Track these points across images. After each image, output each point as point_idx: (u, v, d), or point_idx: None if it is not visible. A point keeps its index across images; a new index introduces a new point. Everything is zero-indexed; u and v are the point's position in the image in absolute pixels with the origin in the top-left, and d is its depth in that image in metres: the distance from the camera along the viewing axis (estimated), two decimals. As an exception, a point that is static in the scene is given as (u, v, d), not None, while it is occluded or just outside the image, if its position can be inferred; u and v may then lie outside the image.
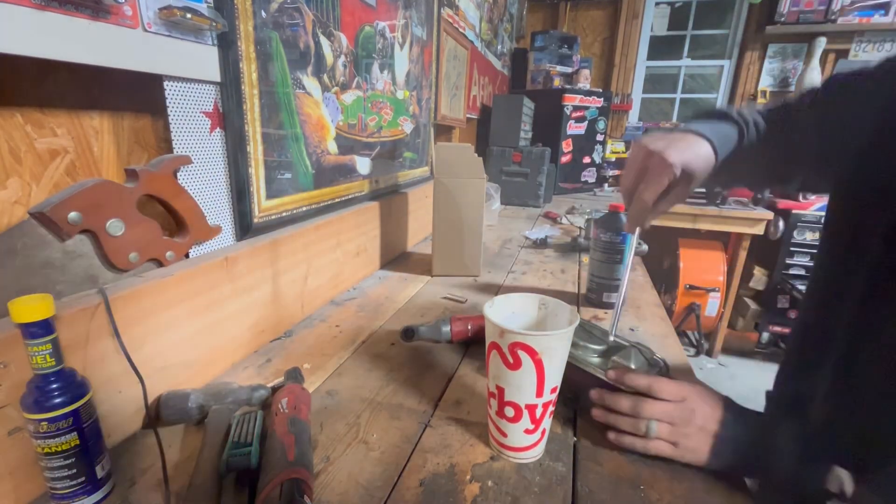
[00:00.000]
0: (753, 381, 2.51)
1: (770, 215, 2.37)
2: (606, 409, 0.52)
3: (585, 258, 1.25)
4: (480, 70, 2.14)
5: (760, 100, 3.04)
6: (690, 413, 0.48)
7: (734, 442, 0.46)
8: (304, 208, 0.84)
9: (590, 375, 0.54)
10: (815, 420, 0.51)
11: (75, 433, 0.39)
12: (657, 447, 0.48)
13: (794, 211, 2.46)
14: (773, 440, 0.45)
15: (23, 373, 0.39)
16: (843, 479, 0.40)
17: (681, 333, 2.80)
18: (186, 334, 0.56)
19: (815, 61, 2.78)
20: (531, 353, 0.44)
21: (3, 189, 0.45)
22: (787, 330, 2.61)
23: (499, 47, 2.55)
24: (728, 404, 0.49)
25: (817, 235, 2.47)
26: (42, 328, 0.36)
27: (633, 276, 1.00)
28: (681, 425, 0.48)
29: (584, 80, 2.79)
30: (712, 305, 2.59)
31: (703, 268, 2.57)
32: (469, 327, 0.72)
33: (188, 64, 0.56)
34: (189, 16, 0.52)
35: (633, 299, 0.97)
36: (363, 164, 1.04)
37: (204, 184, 0.62)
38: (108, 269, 0.51)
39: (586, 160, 2.59)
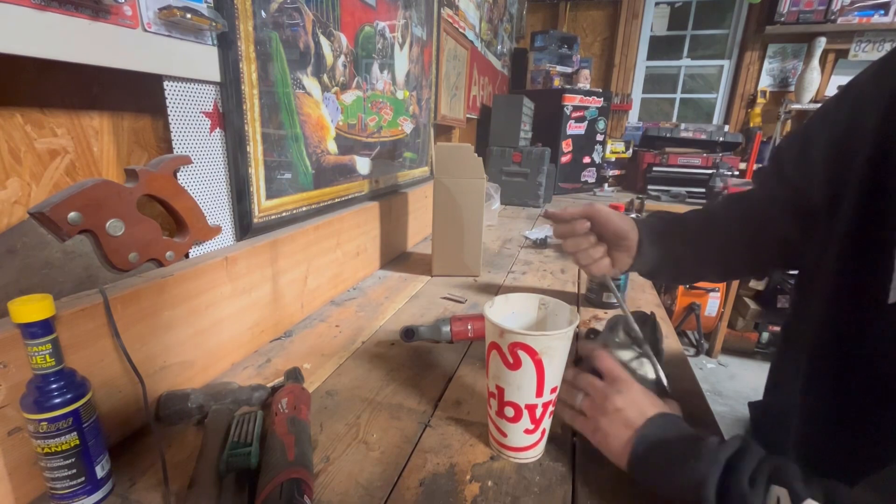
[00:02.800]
0: (753, 381, 2.51)
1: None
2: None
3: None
4: (480, 70, 2.14)
5: (760, 100, 3.04)
6: (616, 394, 0.45)
7: (657, 438, 0.43)
8: (304, 208, 0.84)
9: None
10: (794, 433, 0.49)
11: (75, 433, 0.39)
12: (580, 422, 0.47)
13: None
14: (711, 454, 0.39)
15: (23, 373, 0.39)
16: (780, 498, 0.35)
17: (681, 333, 2.80)
18: (186, 334, 0.56)
19: (815, 61, 2.78)
20: (531, 353, 0.44)
21: (3, 189, 0.45)
22: (786, 330, 2.61)
23: (499, 47, 2.55)
24: (663, 410, 0.46)
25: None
26: (42, 328, 0.36)
27: (633, 276, 1.00)
28: (602, 404, 0.46)
29: (584, 80, 2.79)
30: (712, 305, 2.60)
31: (702, 268, 2.56)
32: (469, 327, 0.72)
33: (188, 64, 0.56)
34: (189, 16, 0.52)
35: (633, 299, 0.97)
36: (363, 164, 1.04)
37: (204, 184, 0.62)
38: (108, 269, 0.51)
39: (586, 160, 2.59)
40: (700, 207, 0.66)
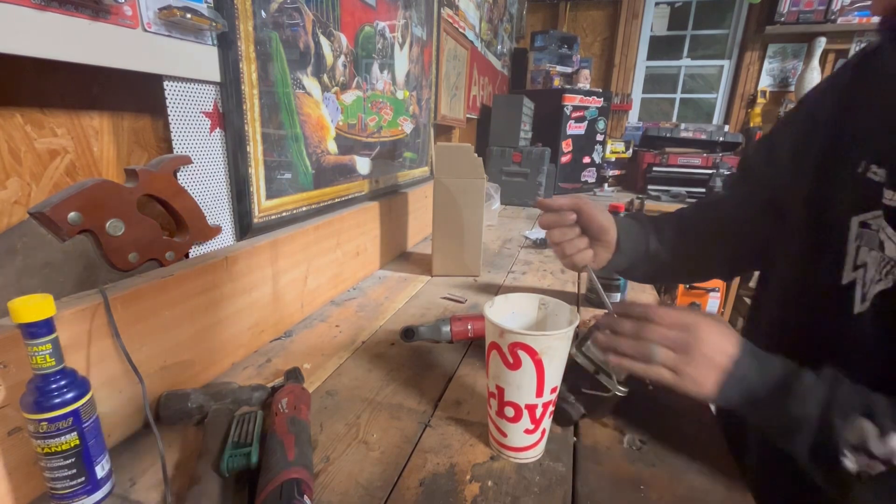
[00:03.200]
0: (753, 381, 2.50)
1: (770, 215, 2.36)
2: (612, 333, 0.49)
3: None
4: (480, 70, 2.14)
5: (760, 100, 3.04)
6: (696, 340, 0.44)
7: (744, 381, 0.43)
8: (304, 208, 0.84)
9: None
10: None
11: (75, 433, 0.39)
12: (658, 372, 0.45)
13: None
14: (797, 387, 0.41)
15: (23, 373, 0.39)
16: (865, 430, 0.36)
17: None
18: (186, 334, 0.56)
19: (815, 61, 2.78)
20: (531, 353, 0.44)
21: (3, 189, 0.45)
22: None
23: (499, 47, 2.55)
24: (744, 344, 0.45)
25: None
26: (42, 328, 0.36)
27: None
28: (684, 352, 0.44)
29: (584, 80, 2.79)
30: (712, 305, 2.59)
31: (702, 268, 2.56)
32: (469, 327, 0.72)
33: (188, 64, 0.56)
34: (189, 16, 0.52)
35: (633, 299, 0.97)
36: (363, 164, 1.04)
37: (204, 184, 0.62)
38: (108, 269, 0.51)
39: (586, 160, 2.59)
40: (672, 211, 0.71)
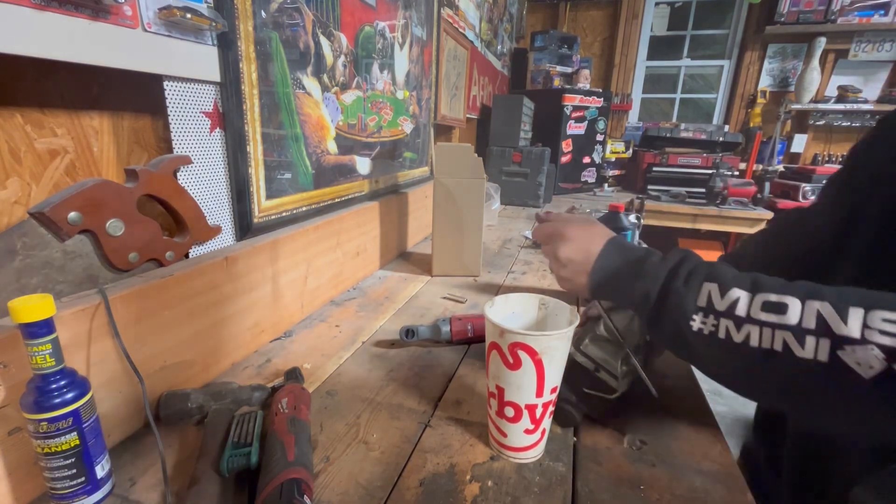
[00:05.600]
0: (753, 381, 2.50)
1: (770, 215, 2.37)
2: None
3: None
4: (480, 70, 2.14)
5: (760, 100, 3.04)
6: (560, 247, 0.51)
7: (605, 271, 0.48)
8: (304, 208, 0.84)
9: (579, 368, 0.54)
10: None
11: (75, 433, 0.39)
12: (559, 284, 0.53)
13: (793, 211, 2.46)
14: (647, 266, 0.45)
15: (23, 373, 0.39)
16: (710, 292, 0.39)
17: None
18: (186, 334, 0.56)
19: (815, 61, 2.78)
20: (531, 353, 0.44)
21: (3, 189, 0.45)
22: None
23: (499, 47, 2.55)
24: (611, 239, 0.50)
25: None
26: (42, 328, 0.36)
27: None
28: (555, 260, 0.52)
29: (584, 80, 2.79)
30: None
31: (702, 268, 2.56)
32: (469, 327, 0.72)
33: (188, 64, 0.56)
34: (189, 16, 0.52)
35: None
36: (363, 164, 1.04)
37: (204, 184, 0.62)
38: (108, 269, 0.51)
39: (586, 160, 2.59)
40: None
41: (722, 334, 0.38)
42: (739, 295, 0.38)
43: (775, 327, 0.35)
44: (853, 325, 0.31)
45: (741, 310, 0.37)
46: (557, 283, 0.54)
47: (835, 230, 0.51)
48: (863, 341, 0.31)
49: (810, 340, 0.33)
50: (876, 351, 0.30)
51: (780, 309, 0.35)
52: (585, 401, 0.54)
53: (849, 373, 0.31)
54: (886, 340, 0.30)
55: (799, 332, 0.34)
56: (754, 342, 0.36)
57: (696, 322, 0.39)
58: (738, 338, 0.37)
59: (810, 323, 0.33)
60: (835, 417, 0.36)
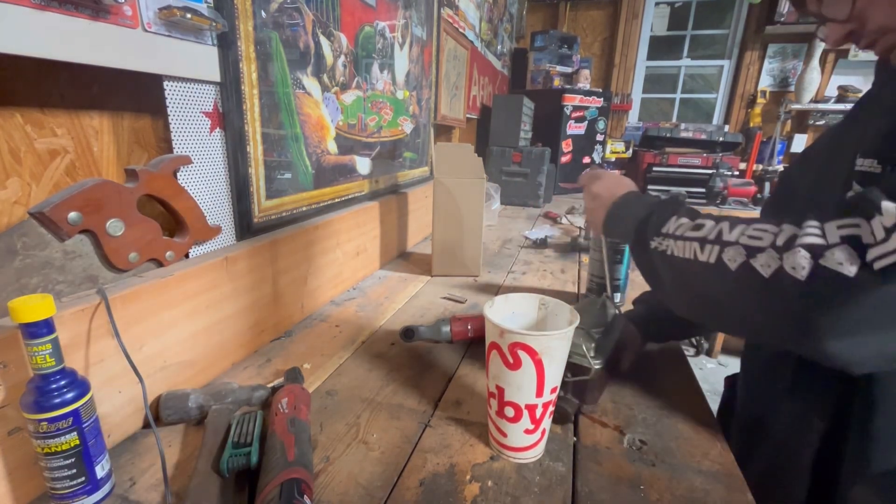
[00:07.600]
0: (753, 381, 2.50)
1: (770, 215, 2.36)
2: None
3: (585, 258, 1.25)
4: (480, 70, 2.14)
5: (760, 100, 3.04)
6: (591, 186, 0.63)
7: (618, 214, 0.58)
8: (304, 208, 0.84)
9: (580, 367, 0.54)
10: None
11: (75, 433, 0.39)
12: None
13: (793, 211, 2.46)
14: (640, 207, 0.55)
15: (23, 373, 0.39)
16: (668, 221, 0.48)
17: (681, 333, 2.79)
18: (186, 334, 0.56)
19: (815, 61, 2.78)
20: (531, 353, 0.44)
21: (3, 189, 0.45)
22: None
23: (499, 47, 2.55)
24: (634, 191, 0.59)
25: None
26: (42, 328, 0.36)
27: (633, 275, 1.00)
28: (587, 194, 0.64)
29: (584, 80, 2.79)
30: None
31: (702, 268, 2.56)
32: (469, 327, 0.72)
33: (188, 64, 0.56)
34: (189, 16, 0.52)
35: (633, 299, 0.97)
36: (363, 164, 1.04)
37: (204, 184, 0.62)
38: (108, 269, 0.51)
39: (586, 160, 2.59)
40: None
41: (669, 251, 0.47)
42: (683, 221, 0.47)
43: (691, 240, 0.45)
44: (733, 235, 0.41)
45: (680, 231, 0.47)
46: (585, 215, 0.66)
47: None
48: (735, 244, 0.41)
49: (707, 248, 0.43)
50: (740, 248, 0.40)
51: (698, 228, 0.45)
52: (573, 391, 0.55)
53: (722, 266, 0.41)
54: (744, 240, 0.40)
55: (702, 241, 0.44)
56: (683, 253, 0.45)
57: (654, 242, 0.49)
58: (678, 252, 0.46)
59: (711, 236, 0.43)
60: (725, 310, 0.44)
